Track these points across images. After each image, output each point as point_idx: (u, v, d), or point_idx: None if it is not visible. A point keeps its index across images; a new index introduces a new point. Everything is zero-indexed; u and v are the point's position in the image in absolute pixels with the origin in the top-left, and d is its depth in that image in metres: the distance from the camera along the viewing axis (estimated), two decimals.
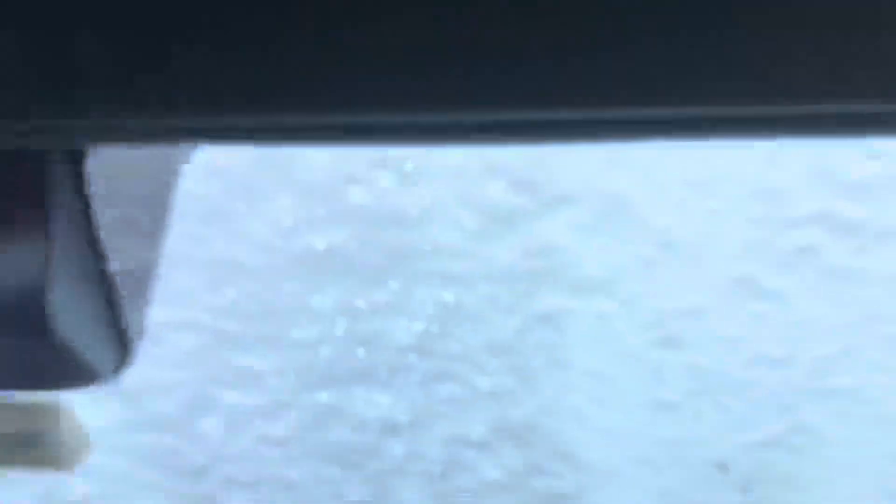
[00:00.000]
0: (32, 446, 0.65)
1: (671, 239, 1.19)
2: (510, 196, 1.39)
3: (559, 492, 1.65)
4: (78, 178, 0.57)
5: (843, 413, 1.19)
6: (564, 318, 1.36)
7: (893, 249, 1.15)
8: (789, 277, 1.18)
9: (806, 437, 1.21)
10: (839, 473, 1.26)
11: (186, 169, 0.67)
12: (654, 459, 1.38)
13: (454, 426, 1.77)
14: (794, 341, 1.17)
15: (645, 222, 1.18)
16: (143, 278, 0.61)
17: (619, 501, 1.44)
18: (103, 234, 0.62)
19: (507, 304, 1.67)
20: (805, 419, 1.20)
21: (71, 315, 0.59)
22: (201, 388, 1.76)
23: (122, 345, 0.65)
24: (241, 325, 1.66)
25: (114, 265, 0.63)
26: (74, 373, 0.63)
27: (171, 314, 1.64)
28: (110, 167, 0.59)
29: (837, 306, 1.15)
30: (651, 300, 1.48)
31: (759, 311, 1.16)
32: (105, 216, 0.61)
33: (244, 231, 1.61)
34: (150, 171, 0.57)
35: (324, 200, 1.54)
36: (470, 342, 1.69)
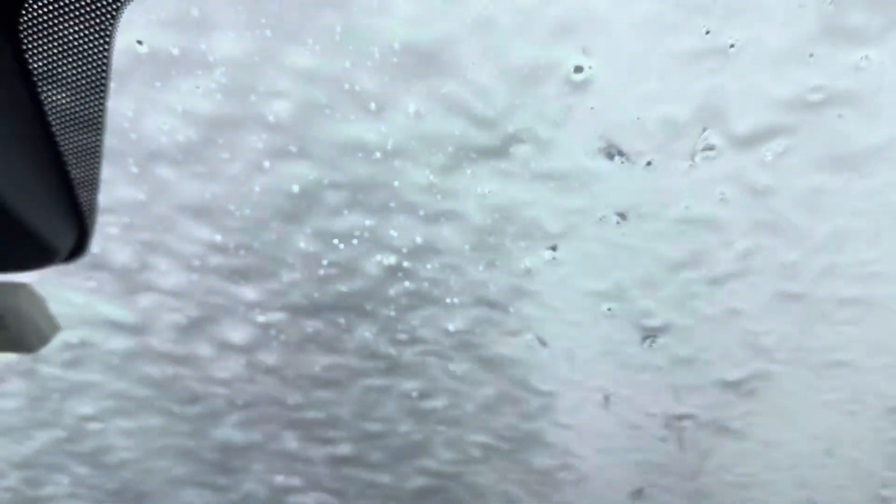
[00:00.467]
0: None
1: None
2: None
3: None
4: (14, 56, 0.55)
5: None
6: None
7: None
8: None
9: None
10: None
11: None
12: None
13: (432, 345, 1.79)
14: None
15: None
16: (90, 157, 0.61)
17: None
18: (47, 114, 0.61)
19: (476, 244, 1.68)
20: None
21: (22, 194, 0.59)
22: (196, 318, 1.78)
23: (77, 224, 0.65)
24: (230, 259, 1.66)
25: (60, 145, 0.63)
26: (32, 252, 0.63)
27: (166, 251, 1.65)
28: (46, 45, 0.57)
29: None
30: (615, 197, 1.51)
31: None
32: (46, 96, 0.60)
33: (223, 171, 1.60)
34: (85, 46, 0.56)
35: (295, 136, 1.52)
36: (441, 275, 1.70)
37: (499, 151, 1.57)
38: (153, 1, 1.31)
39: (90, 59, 0.54)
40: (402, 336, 1.94)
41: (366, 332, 1.95)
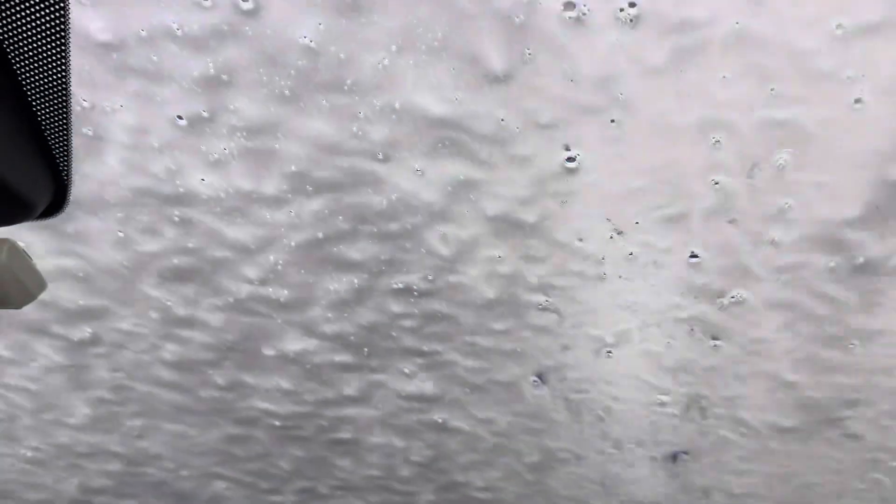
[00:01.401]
0: None
1: None
2: None
3: None
4: None
5: None
6: None
7: None
8: None
9: None
10: None
11: None
12: None
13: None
14: None
15: None
16: (58, 105, 0.59)
17: None
18: (10, 64, 0.59)
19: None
20: None
21: None
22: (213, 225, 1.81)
23: (53, 177, 0.63)
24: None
25: (25, 94, 0.61)
26: (6, 207, 0.62)
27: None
28: None
29: None
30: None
31: None
32: (7, 46, 0.58)
33: None
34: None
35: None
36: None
37: None
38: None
39: (49, 4, 0.52)
40: None
41: None
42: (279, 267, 1.82)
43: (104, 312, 1.99)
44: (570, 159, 1.54)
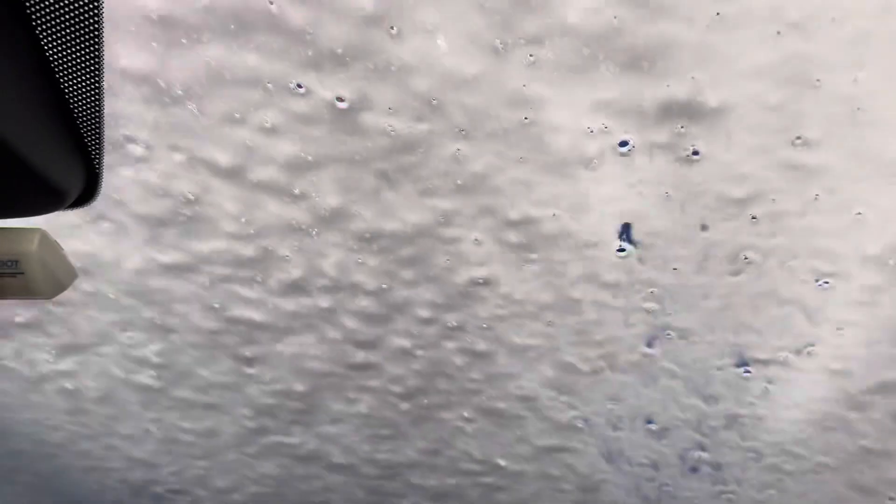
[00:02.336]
0: (10, 274, 0.65)
1: None
2: None
3: None
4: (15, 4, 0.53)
5: None
6: None
7: None
8: None
9: None
10: None
11: None
12: None
13: None
14: None
15: None
16: (92, 98, 0.59)
17: None
18: (47, 57, 0.59)
19: None
20: None
21: (26, 137, 0.58)
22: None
23: (85, 167, 0.63)
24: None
25: (61, 86, 0.61)
26: (40, 197, 0.62)
27: None
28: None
29: None
30: None
31: None
32: (44, 37, 0.58)
33: None
34: None
35: None
36: None
37: None
38: None
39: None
40: None
41: None
42: None
43: None
44: None
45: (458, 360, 2.30)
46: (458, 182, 1.83)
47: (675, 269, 1.98)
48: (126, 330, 2.29)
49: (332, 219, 1.92)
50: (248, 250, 2.00)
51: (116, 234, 1.98)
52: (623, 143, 1.76)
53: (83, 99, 0.59)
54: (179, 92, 1.66)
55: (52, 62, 0.56)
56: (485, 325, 2.17)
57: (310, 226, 1.94)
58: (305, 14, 1.52)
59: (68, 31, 0.54)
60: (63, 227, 1.90)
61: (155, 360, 2.39)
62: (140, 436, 2.68)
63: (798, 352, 2.10)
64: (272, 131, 1.73)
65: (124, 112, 1.69)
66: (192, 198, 1.87)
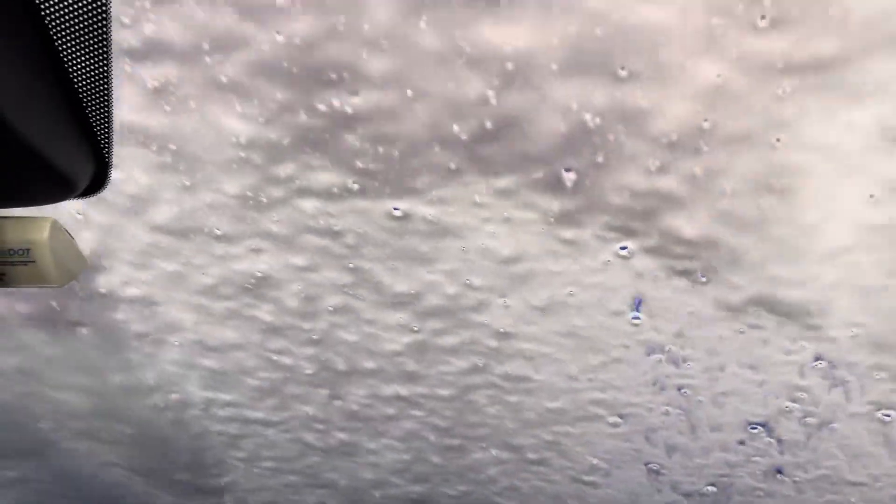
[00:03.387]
0: (21, 262, 0.65)
1: None
2: None
3: None
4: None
5: None
6: None
7: None
8: None
9: None
10: None
11: None
12: None
13: None
14: None
15: None
16: (100, 84, 0.58)
17: None
18: (53, 43, 0.58)
19: None
20: None
21: (34, 125, 0.56)
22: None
23: (94, 155, 0.62)
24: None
25: (69, 73, 0.60)
26: (49, 185, 0.62)
27: None
28: None
29: None
30: None
31: None
32: (50, 22, 0.56)
33: None
34: None
35: None
36: None
37: None
38: None
39: None
40: None
41: None
42: None
43: None
44: None
45: None
46: None
47: None
48: None
49: None
50: None
51: None
52: None
53: (92, 87, 0.58)
54: None
55: (60, 49, 0.55)
56: None
57: None
58: None
59: (76, 17, 0.53)
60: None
61: None
62: None
63: None
64: None
65: None
66: None
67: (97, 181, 0.66)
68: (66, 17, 0.53)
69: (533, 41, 1.19)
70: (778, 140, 1.27)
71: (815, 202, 1.35)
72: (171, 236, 1.63)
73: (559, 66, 1.21)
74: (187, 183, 1.51)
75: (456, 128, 1.33)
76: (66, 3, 0.53)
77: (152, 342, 1.97)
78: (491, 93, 1.27)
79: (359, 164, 1.43)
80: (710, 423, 1.87)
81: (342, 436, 2.19)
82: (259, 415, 2.15)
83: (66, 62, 0.56)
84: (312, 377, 2.00)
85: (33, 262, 0.67)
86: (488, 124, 1.32)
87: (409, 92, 1.29)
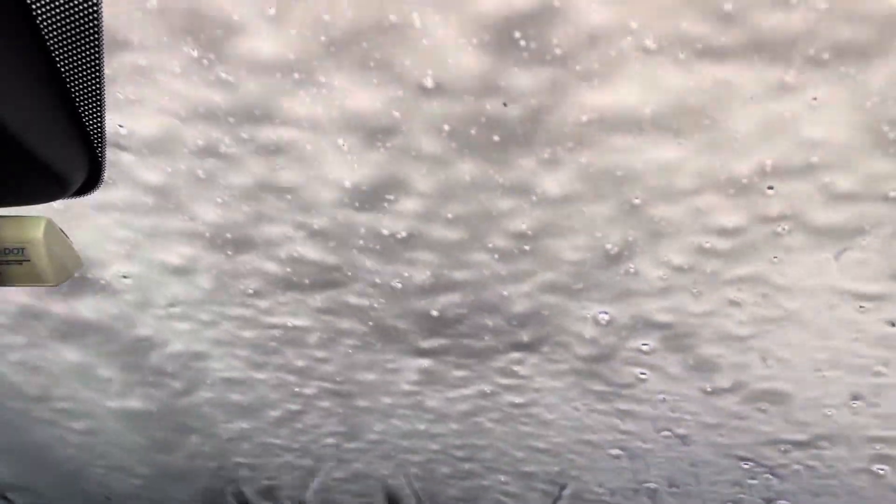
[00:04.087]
0: (16, 261, 0.65)
1: None
2: None
3: None
4: None
5: None
6: None
7: None
8: None
9: None
10: None
11: None
12: None
13: None
14: None
15: None
16: (92, 81, 0.58)
17: None
18: (45, 41, 0.57)
19: None
20: None
21: (26, 123, 0.56)
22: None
23: (88, 154, 0.62)
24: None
25: (60, 71, 0.59)
26: (43, 184, 0.62)
27: None
28: None
29: None
30: None
31: None
32: (41, 20, 0.56)
33: None
34: None
35: None
36: None
37: None
38: None
39: None
40: None
41: None
42: None
43: None
44: None
45: None
46: None
47: None
48: None
49: None
50: None
51: None
52: None
53: (84, 85, 0.58)
54: None
55: (52, 48, 0.55)
56: None
57: None
58: None
59: (68, 17, 0.53)
60: None
61: None
62: None
63: None
64: None
65: None
66: None
67: (91, 180, 0.66)
68: (59, 18, 0.53)
69: None
70: None
71: None
72: None
73: None
74: None
75: None
76: (58, 4, 0.53)
77: None
78: None
79: None
80: None
81: None
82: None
83: (58, 61, 0.56)
84: None
85: (28, 261, 0.67)
86: None
87: None
